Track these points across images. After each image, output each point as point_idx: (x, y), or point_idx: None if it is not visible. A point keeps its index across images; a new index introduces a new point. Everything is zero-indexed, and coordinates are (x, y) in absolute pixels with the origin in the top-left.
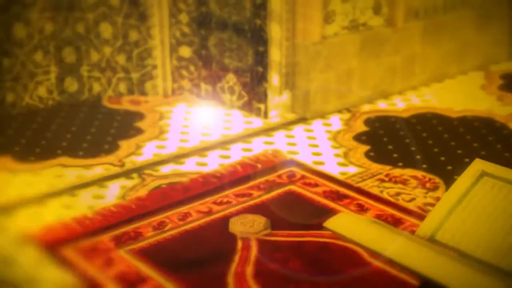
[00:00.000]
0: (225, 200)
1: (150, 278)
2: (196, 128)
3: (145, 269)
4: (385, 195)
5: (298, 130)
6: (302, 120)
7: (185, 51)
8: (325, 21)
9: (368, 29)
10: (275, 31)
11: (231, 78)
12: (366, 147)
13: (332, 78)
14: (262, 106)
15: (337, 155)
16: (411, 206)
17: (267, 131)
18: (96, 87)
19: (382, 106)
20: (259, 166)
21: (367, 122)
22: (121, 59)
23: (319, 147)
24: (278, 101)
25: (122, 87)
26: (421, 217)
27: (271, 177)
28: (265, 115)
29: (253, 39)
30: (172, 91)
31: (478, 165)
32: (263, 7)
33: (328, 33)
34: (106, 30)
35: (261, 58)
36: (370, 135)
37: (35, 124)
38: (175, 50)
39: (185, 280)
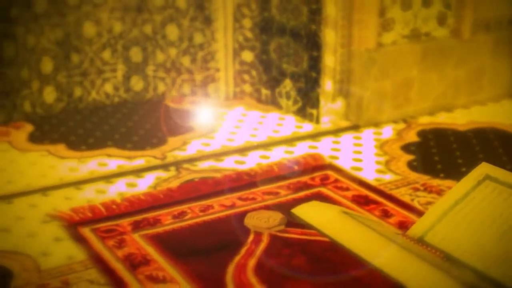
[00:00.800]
0: (250, 196)
1: (154, 261)
2: (246, 129)
3: (153, 253)
4: (415, 203)
5: (347, 137)
6: (354, 127)
7: (248, 56)
8: (383, 29)
9: (431, 40)
10: (330, 36)
11: (288, 83)
12: (410, 157)
13: (388, 87)
14: (314, 112)
15: (378, 162)
16: None
17: (315, 136)
18: (161, 87)
19: (442, 118)
20: (296, 167)
21: (420, 133)
22: (185, 60)
23: (362, 154)
24: (331, 108)
25: (186, 88)
26: None
27: (304, 178)
28: (317, 121)
29: (308, 44)
30: (234, 94)
31: (483, 169)
32: (318, 12)
33: (385, 41)
34: (172, 32)
35: (315, 63)
36: (419, 146)
37: (97, 118)
38: (238, 54)
39: (186, 266)
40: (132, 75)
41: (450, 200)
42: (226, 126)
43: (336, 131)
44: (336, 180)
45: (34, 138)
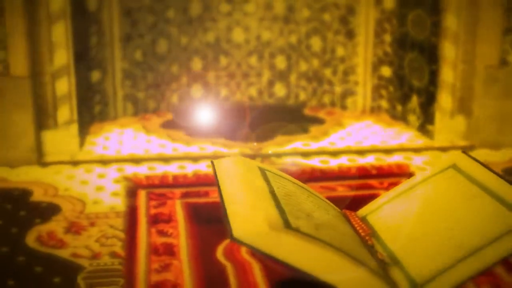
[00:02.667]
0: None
1: (174, 221)
2: (355, 137)
3: (179, 216)
4: None
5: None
6: (469, 147)
7: (386, 71)
8: (510, 46)
9: None
10: (449, 50)
11: (414, 99)
12: None
13: (510, 108)
14: (431, 128)
15: None
16: None
17: (419, 150)
18: (302, 95)
19: None
20: (374, 172)
21: None
22: (327, 72)
23: None
24: (448, 125)
25: (326, 99)
26: None
27: (373, 181)
28: (432, 137)
29: (429, 58)
30: (371, 109)
31: (454, 157)
32: (439, 24)
33: (511, 59)
34: (316, 43)
35: (433, 78)
36: None
37: (232, 115)
38: (377, 69)
39: (195, 228)
40: (276, 82)
41: (409, 183)
42: (339, 133)
43: (446, 149)
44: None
45: (166, 125)
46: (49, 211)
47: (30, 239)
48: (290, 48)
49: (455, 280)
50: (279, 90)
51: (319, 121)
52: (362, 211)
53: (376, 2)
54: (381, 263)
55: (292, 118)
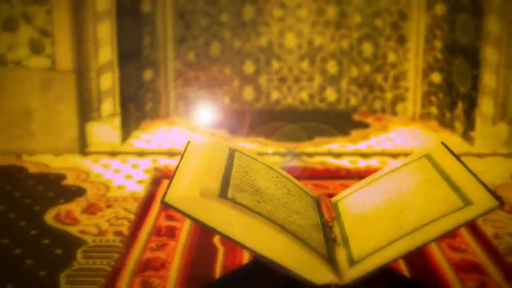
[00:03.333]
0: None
1: None
2: (395, 142)
3: None
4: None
5: (484, 162)
6: (508, 155)
7: (436, 77)
8: None
9: None
10: (491, 54)
11: (460, 105)
12: None
13: None
14: (472, 134)
15: None
16: None
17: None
18: (353, 101)
19: None
20: None
21: None
22: (378, 78)
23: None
24: (489, 131)
25: (377, 105)
26: None
27: None
28: (472, 143)
29: (472, 63)
30: (420, 115)
31: (432, 148)
32: (481, 27)
33: None
34: (367, 49)
35: (475, 83)
36: None
37: (279, 117)
38: (427, 75)
39: None
40: (327, 86)
41: (384, 171)
42: (380, 137)
43: (484, 155)
44: None
45: (213, 124)
46: (74, 193)
47: (49, 217)
48: (341, 53)
49: (385, 258)
50: (330, 95)
51: (364, 126)
52: (336, 197)
53: (428, 7)
54: (331, 242)
55: (339, 122)
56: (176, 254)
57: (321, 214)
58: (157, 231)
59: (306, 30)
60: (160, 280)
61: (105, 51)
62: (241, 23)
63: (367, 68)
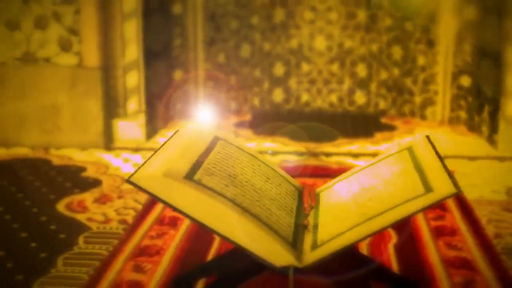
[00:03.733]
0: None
1: None
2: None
3: None
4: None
5: (504, 165)
6: None
7: (465, 81)
8: None
9: None
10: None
11: (486, 109)
12: None
13: None
14: (495, 137)
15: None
16: None
17: (474, 158)
18: (382, 104)
19: None
20: None
21: None
22: (407, 81)
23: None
24: None
25: (406, 109)
26: None
27: None
28: (496, 147)
29: (496, 65)
30: (449, 119)
31: (415, 141)
32: (503, 28)
33: None
34: (397, 52)
35: (499, 85)
36: None
37: (307, 119)
38: (456, 78)
39: None
40: (356, 90)
41: (368, 162)
42: (403, 140)
43: (504, 159)
44: None
45: (239, 124)
46: (91, 184)
47: (61, 205)
48: (371, 56)
49: (342, 242)
50: (359, 98)
51: (390, 128)
52: (320, 188)
53: (457, 10)
54: (302, 229)
55: (365, 125)
56: (173, 242)
57: (301, 203)
58: (160, 221)
59: (336, 33)
60: (151, 264)
61: (131, 50)
62: (272, 25)
63: (396, 71)
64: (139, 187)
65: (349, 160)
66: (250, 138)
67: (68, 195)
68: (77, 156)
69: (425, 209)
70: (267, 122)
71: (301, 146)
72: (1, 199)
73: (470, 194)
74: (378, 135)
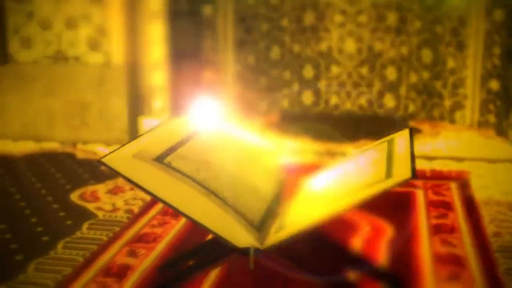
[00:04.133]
0: None
1: None
2: (438, 146)
3: None
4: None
5: None
6: None
7: (494, 84)
8: None
9: None
10: None
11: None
12: None
13: None
14: None
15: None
16: None
17: (494, 161)
18: (411, 107)
19: None
20: (428, 174)
21: None
22: (437, 84)
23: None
24: None
25: (435, 112)
26: None
27: (418, 182)
28: None
29: None
30: (478, 123)
31: (398, 133)
32: None
33: None
34: (427, 55)
35: None
36: None
37: (334, 121)
38: (485, 82)
39: None
40: (385, 93)
41: (351, 155)
42: (427, 142)
43: None
44: (438, 186)
45: (265, 124)
46: (107, 177)
47: (75, 195)
48: (401, 59)
49: (300, 226)
50: (389, 101)
51: (415, 131)
52: (304, 177)
53: (487, 13)
54: (274, 214)
55: (391, 127)
56: (172, 231)
57: (282, 191)
58: (164, 212)
59: (366, 36)
60: (145, 250)
61: (157, 49)
62: (302, 28)
63: (426, 74)
64: (109, 167)
65: None
66: (274, 137)
67: (84, 185)
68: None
69: (382, 193)
70: (295, 123)
71: (321, 146)
72: (21, 188)
73: (480, 195)
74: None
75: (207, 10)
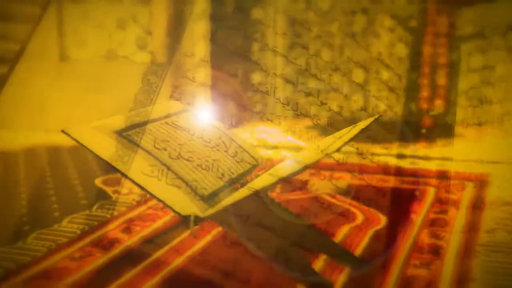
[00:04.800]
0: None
1: None
2: (468, 151)
3: None
4: None
5: None
6: None
7: None
8: None
9: None
10: None
11: None
12: None
13: None
14: None
15: None
16: None
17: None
18: (460, 113)
19: None
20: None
21: None
22: (487, 91)
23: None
24: None
25: (484, 118)
26: None
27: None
28: None
29: None
30: None
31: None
32: None
33: None
34: (477, 60)
35: None
36: None
37: (380, 125)
38: None
39: None
40: (435, 98)
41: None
42: (459, 146)
43: None
44: (453, 186)
45: (310, 127)
46: None
47: (99, 180)
48: (450, 64)
49: (229, 200)
50: (438, 106)
51: (457, 136)
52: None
53: None
54: (231, 190)
55: (435, 132)
56: (172, 213)
57: (249, 172)
58: None
59: (416, 41)
60: (140, 227)
61: (199, 49)
62: (352, 32)
63: (476, 79)
64: (70, 136)
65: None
66: (311, 138)
67: (110, 173)
68: None
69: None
70: (341, 126)
71: (352, 147)
72: (52, 171)
73: (490, 196)
74: (439, 142)
75: (257, 13)
